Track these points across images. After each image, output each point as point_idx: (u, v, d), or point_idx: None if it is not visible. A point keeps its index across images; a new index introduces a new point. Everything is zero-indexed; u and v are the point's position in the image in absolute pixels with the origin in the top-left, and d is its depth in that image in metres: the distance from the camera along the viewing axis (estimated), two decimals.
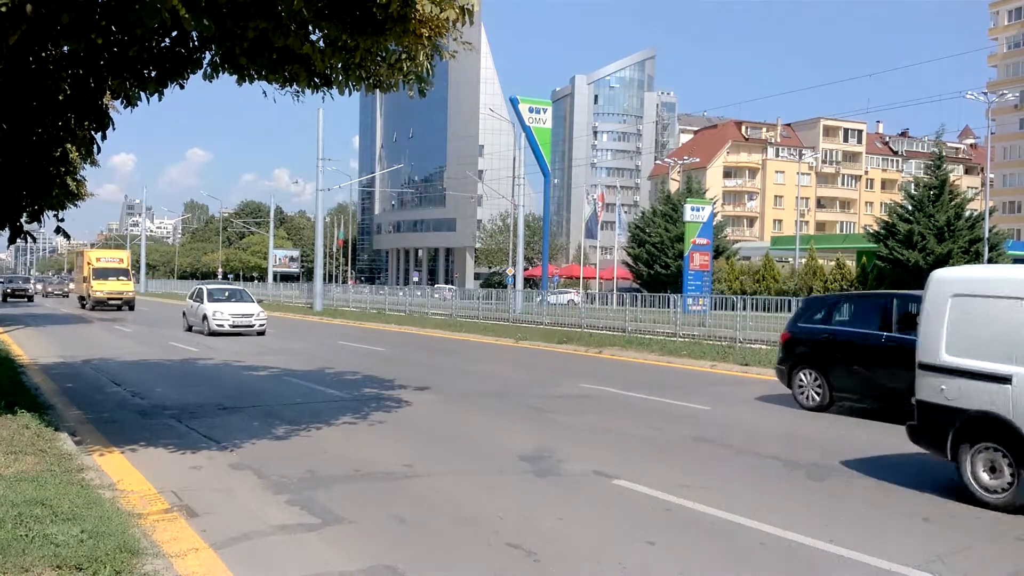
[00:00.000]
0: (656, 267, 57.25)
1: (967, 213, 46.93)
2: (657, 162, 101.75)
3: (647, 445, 9.63)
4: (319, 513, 6.50)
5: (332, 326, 32.73)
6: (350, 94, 8.64)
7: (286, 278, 78.76)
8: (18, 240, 11.91)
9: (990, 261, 42.97)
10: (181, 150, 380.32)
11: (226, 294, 27.90)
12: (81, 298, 44.57)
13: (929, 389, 7.36)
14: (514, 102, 44.20)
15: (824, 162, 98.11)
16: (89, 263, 42.94)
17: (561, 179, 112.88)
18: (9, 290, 52.62)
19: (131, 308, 41.16)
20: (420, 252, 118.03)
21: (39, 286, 65.04)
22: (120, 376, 15.03)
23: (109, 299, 40.91)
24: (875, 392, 11.57)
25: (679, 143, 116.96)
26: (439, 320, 33.55)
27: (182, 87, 8.28)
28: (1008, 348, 6.73)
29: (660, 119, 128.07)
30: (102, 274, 41.73)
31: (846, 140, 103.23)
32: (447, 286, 73.47)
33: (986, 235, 43.35)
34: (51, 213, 12.74)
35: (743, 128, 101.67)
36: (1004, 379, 6.71)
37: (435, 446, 9.52)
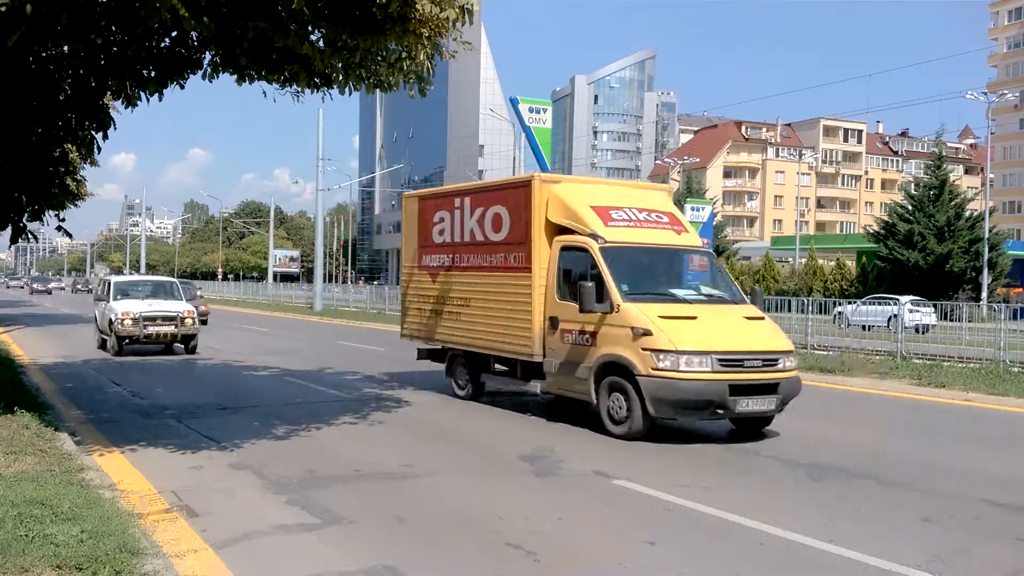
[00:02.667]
0: None
1: (967, 213, 46.91)
2: (657, 162, 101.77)
3: (647, 445, 9.61)
4: (319, 513, 6.49)
5: (332, 326, 32.71)
6: (350, 94, 8.64)
7: (286, 278, 78.76)
8: (20, 240, 11.91)
9: (990, 261, 42.98)
10: (181, 150, 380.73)
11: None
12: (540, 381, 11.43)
13: None
14: (514, 102, 44.12)
15: (824, 162, 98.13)
16: (573, 222, 10.63)
17: None
18: (142, 327, 18.08)
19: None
20: None
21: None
22: (120, 376, 15.02)
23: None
24: None
25: (679, 143, 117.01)
26: None
27: (182, 87, 8.29)
28: None
29: (660, 119, 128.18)
30: (643, 265, 10.70)
31: (846, 140, 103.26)
32: None
33: (986, 235, 43.34)
34: (51, 213, 12.75)
35: (743, 128, 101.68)
36: None
37: (435, 446, 9.52)
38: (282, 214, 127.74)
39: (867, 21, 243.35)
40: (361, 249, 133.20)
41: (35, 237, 12.96)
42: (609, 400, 9.76)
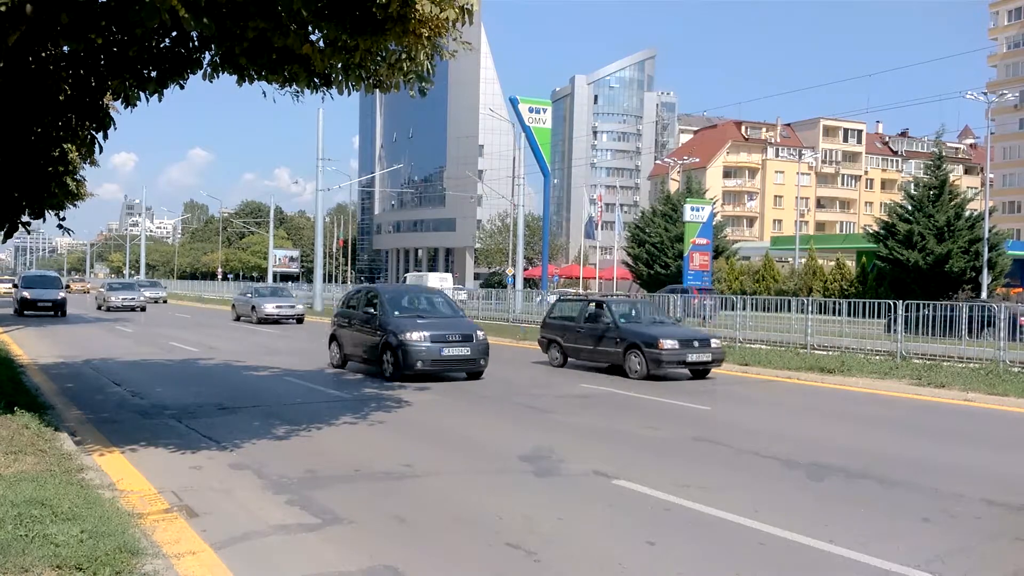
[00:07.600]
0: (656, 267, 57.22)
1: (967, 213, 46.86)
2: (657, 162, 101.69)
3: (647, 445, 9.62)
4: (319, 513, 6.50)
5: None
6: (350, 94, 8.63)
7: (286, 278, 78.74)
8: (15, 233, 11.86)
9: (990, 261, 42.95)
10: (181, 150, 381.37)
11: None
12: None
13: None
14: (514, 102, 44.21)
15: (824, 162, 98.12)
16: None
17: (561, 179, 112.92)
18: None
19: None
20: (420, 252, 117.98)
21: None
22: (120, 376, 15.02)
23: None
24: None
25: (679, 143, 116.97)
26: None
27: (182, 87, 8.26)
28: None
29: (660, 119, 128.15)
30: None
31: (846, 140, 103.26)
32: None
33: (986, 235, 43.28)
34: (51, 213, 12.71)
35: (743, 128, 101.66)
36: None
37: (435, 446, 9.52)
38: (282, 214, 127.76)
39: (867, 21, 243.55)
40: (361, 249, 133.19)
41: (27, 228, 12.86)
42: None
